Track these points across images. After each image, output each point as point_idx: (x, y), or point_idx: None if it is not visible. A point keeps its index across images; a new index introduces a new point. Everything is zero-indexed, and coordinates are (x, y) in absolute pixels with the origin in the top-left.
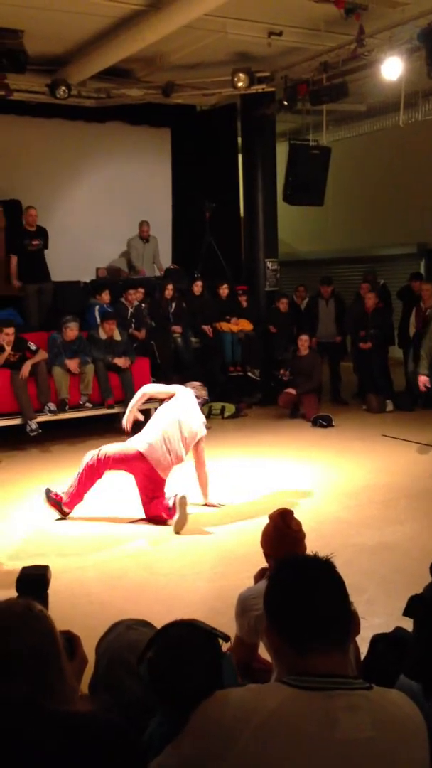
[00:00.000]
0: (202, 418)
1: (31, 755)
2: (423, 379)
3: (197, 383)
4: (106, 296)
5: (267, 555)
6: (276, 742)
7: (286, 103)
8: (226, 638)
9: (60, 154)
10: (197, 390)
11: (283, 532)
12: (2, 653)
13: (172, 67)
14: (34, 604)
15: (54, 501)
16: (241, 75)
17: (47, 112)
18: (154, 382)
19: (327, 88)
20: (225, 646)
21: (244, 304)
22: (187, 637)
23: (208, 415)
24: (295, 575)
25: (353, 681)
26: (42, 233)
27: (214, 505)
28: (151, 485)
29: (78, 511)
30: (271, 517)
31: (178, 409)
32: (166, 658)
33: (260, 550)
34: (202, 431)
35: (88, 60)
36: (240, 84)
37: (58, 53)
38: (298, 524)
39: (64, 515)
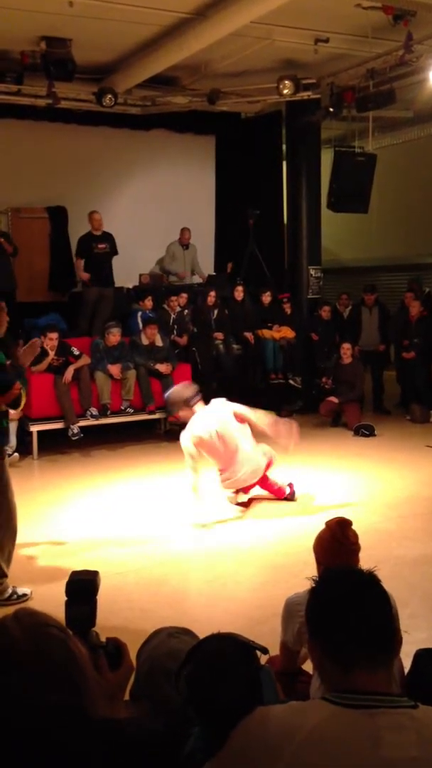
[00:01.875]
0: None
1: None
2: None
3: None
4: (148, 302)
5: (319, 562)
6: (319, 761)
7: (331, 110)
8: (264, 650)
9: (105, 162)
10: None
11: (340, 542)
12: (21, 689)
13: (217, 75)
14: (44, 636)
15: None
16: (287, 82)
17: (93, 120)
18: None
19: (374, 95)
20: (263, 659)
21: (288, 311)
22: (224, 650)
23: None
24: (338, 589)
25: (398, 699)
26: (108, 238)
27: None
28: None
29: (119, 518)
30: (328, 525)
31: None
32: (203, 673)
33: (300, 560)
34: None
35: (134, 68)
36: (285, 91)
37: (105, 62)
38: (356, 536)
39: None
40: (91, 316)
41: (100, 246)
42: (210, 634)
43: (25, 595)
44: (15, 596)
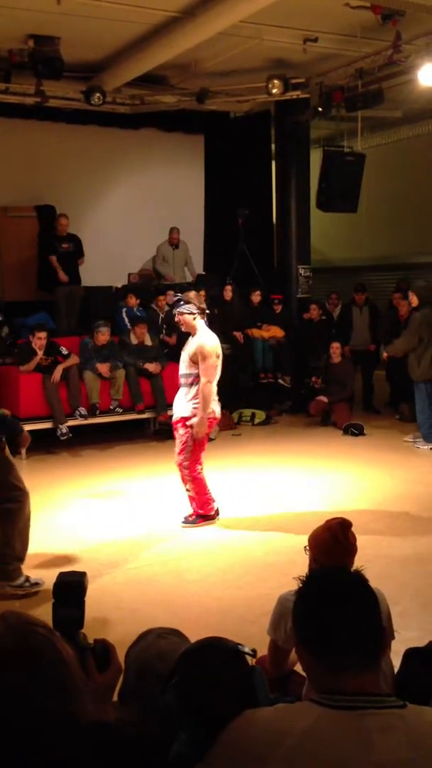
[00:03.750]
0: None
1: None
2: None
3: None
4: (131, 300)
5: (315, 561)
6: (309, 765)
7: (320, 109)
8: (253, 654)
9: (94, 161)
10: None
11: (340, 542)
12: (7, 688)
13: (206, 74)
14: (29, 634)
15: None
16: (276, 81)
17: (82, 118)
18: None
19: (362, 95)
20: (252, 661)
21: (278, 311)
22: (214, 658)
23: (238, 422)
24: (324, 590)
25: (386, 699)
26: (73, 239)
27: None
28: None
29: (109, 517)
30: (330, 525)
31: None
32: (195, 683)
33: (289, 559)
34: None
35: (123, 67)
36: (274, 90)
37: (94, 60)
38: (354, 537)
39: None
40: (66, 315)
41: (64, 246)
42: (197, 641)
43: (37, 583)
44: (27, 584)
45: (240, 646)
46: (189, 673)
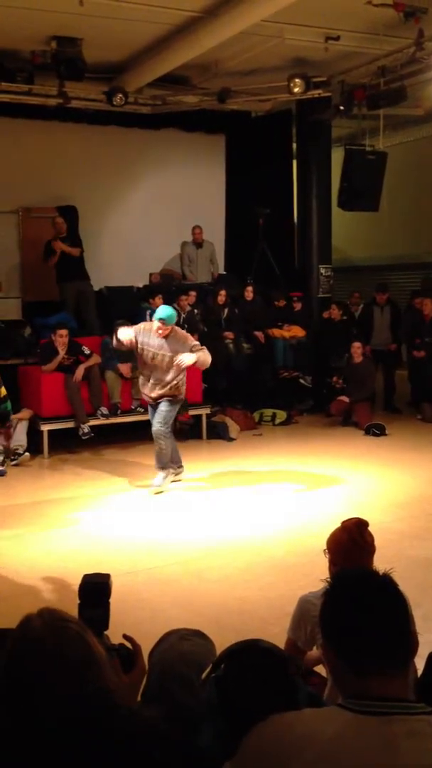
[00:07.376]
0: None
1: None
2: None
3: None
4: (159, 300)
5: (333, 563)
6: None
7: (342, 108)
8: (300, 668)
9: (116, 161)
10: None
11: (357, 543)
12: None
13: (227, 74)
14: (63, 630)
15: None
16: (297, 80)
17: (104, 119)
18: (205, 387)
19: (384, 93)
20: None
21: (298, 307)
22: (258, 656)
23: (259, 422)
24: (352, 592)
25: (414, 705)
26: (67, 238)
27: None
28: None
29: (130, 517)
30: (346, 526)
31: None
32: (236, 677)
33: (311, 560)
34: None
35: (144, 67)
36: (296, 89)
37: (116, 61)
38: (372, 537)
39: None
40: (75, 312)
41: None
42: (246, 643)
43: None
44: None
45: (291, 657)
46: (232, 667)
